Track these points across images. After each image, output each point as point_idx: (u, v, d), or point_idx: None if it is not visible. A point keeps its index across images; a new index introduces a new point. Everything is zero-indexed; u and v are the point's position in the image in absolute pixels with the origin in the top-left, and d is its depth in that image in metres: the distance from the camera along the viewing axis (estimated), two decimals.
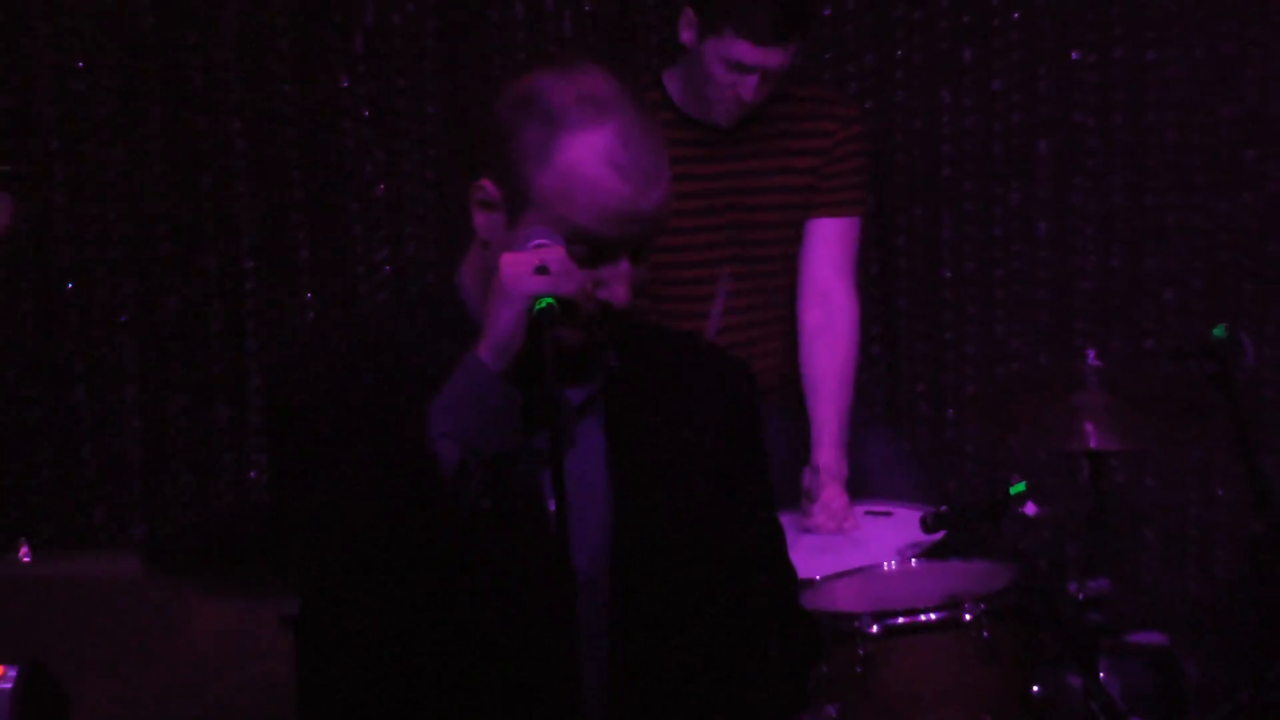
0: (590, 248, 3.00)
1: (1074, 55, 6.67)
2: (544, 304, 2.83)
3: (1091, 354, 5.09)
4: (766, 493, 3.33)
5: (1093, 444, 5.01)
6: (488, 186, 3.08)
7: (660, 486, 3.11)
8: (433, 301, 3.24)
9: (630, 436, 3.12)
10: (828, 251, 5.43)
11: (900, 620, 4.72)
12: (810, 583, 4.97)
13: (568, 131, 3.02)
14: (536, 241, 2.94)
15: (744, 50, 5.19)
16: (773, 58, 5.22)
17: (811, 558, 5.24)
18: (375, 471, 2.90)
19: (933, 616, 4.74)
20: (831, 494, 5.32)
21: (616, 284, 3.00)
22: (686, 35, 5.36)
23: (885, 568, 5.03)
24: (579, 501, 2.99)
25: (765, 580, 3.26)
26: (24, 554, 6.27)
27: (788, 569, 3.39)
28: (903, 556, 5.06)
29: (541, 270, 2.86)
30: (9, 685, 4.94)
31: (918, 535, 5.06)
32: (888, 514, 5.31)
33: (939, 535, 5.04)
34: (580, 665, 2.96)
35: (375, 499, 2.88)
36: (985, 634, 4.70)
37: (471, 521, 2.85)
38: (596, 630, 3.04)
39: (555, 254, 2.91)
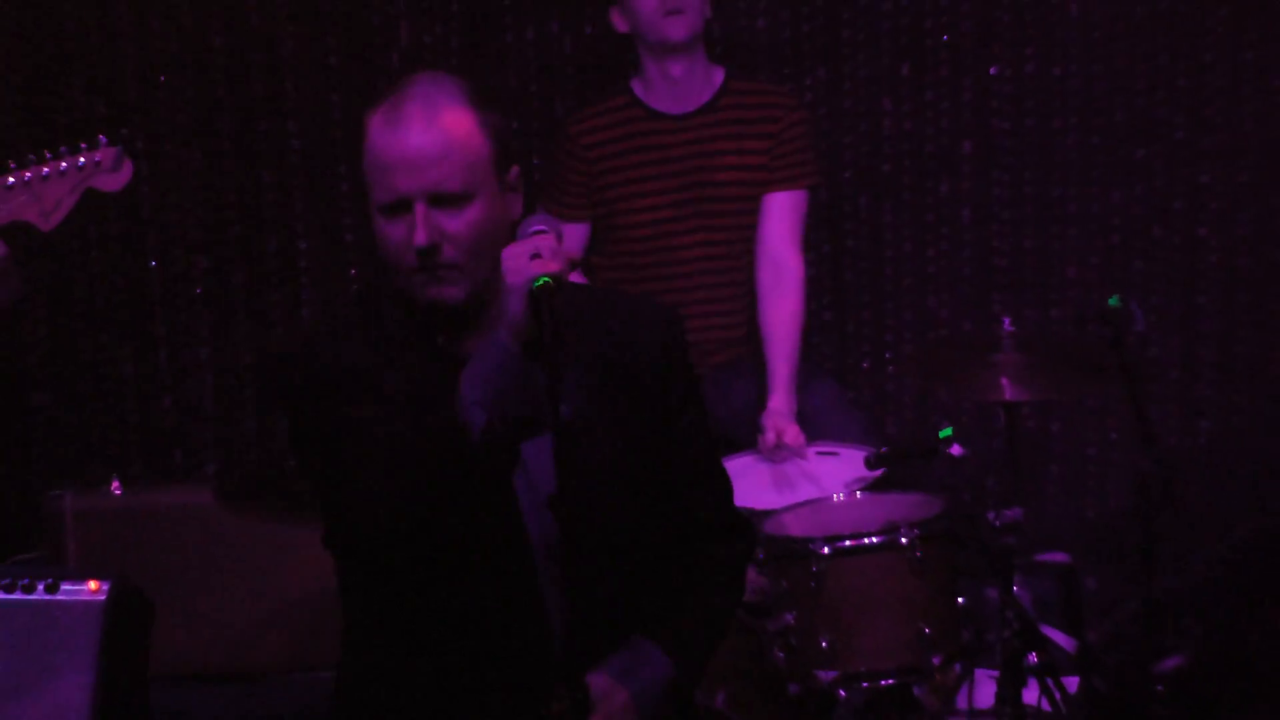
0: (393, 202, 2.99)
1: (992, 70, 6.67)
2: (540, 282, 2.83)
3: (1007, 321, 5.07)
4: (701, 416, 3.27)
5: (1008, 395, 4.99)
6: None
7: (604, 421, 3.09)
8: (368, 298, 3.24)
9: (578, 383, 3.07)
10: (780, 222, 5.38)
11: (847, 543, 4.71)
12: (771, 513, 4.97)
13: (370, 112, 3.07)
14: (534, 229, 2.95)
15: None
16: None
17: (772, 492, 5.24)
18: (400, 431, 2.90)
19: (874, 539, 4.73)
20: (792, 433, 5.33)
21: (417, 229, 2.97)
22: (619, 23, 5.38)
23: (834, 499, 5.02)
24: (534, 441, 2.97)
25: (704, 491, 3.22)
26: (115, 488, 6.28)
27: (723, 479, 3.34)
28: (849, 490, 5.05)
29: (535, 256, 2.87)
30: (102, 597, 4.94)
31: (862, 472, 5.07)
32: (836, 454, 5.30)
33: (880, 472, 5.04)
34: (540, 580, 2.98)
35: (404, 455, 2.88)
36: (918, 554, 4.70)
37: (491, 472, 2.86)
38: (554, 547, 2.98)
39: (546, 240, 2.91)
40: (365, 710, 3.16)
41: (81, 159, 3.60)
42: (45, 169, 3.56)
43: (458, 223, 2.99)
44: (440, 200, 2.99)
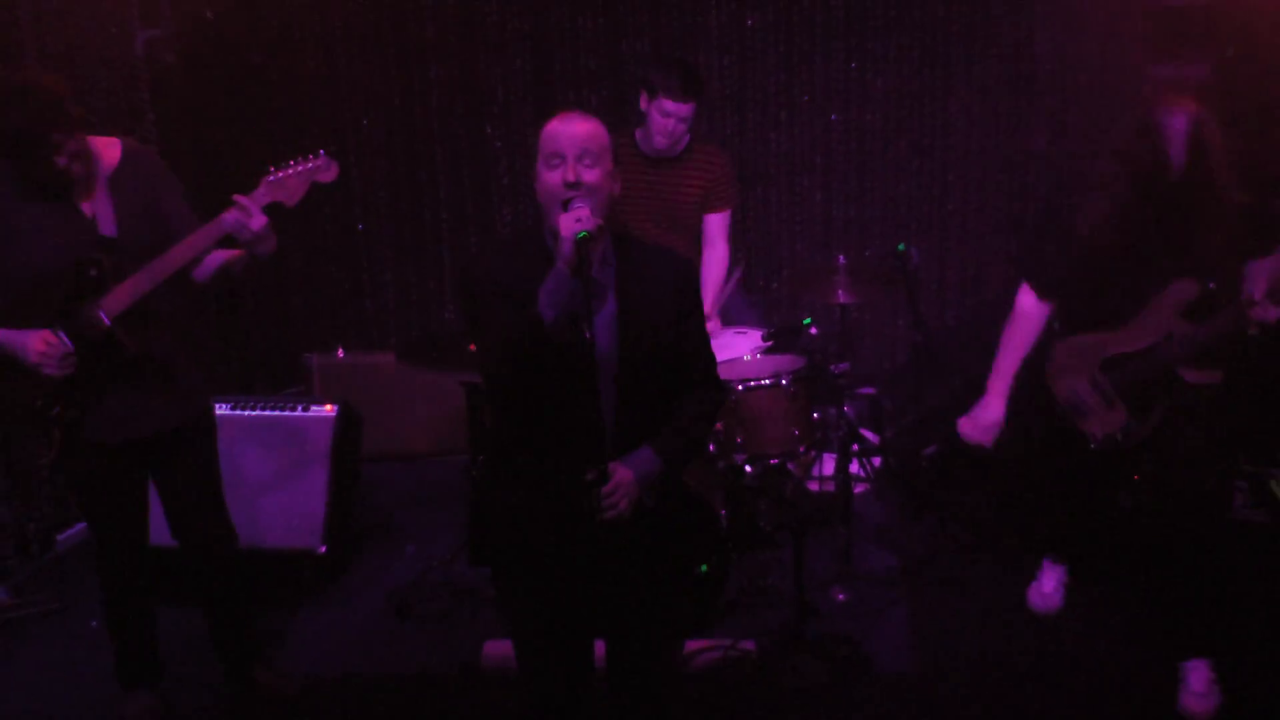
0: (555, 152, 2.88)
1: (833, 117, 6.55)
2: (581, 235, 2.76)
3: (841, 257, 4.99)
4: (700, 320, 3.12)
5: (842, 300, 4.91)
6: None
7: (642, 322, 2.97)
8: (529, 232, 3.12)
9: (628, 298, 2.97)
10: (715, 229, 5.17)
11: (751, 383, 4.68)
12: None
13: (549, 120, 2.92)
14: (577, 204, 2.86)
15: (669, 105, 4.98)
16: (684, 109, 4.96)
17: None
18: (512, 322, 2.83)
19: (766, 381, 4.68)
20: (714, 327, 5.20)
21: (568, 170, 2.86)
22: (643, 103, 5.16)
23: (744, 359, 4.97)
24: (603, 332, 2.91)
25: (697, 361, 3.11)
26: (340, 353, 6.27)
27: (710, 357, 3.19)
28: (753, 353, 4.99)
29: (578, 219, 2.80)
30: (334, 414, 4.95)
31: (759, 343, 5.01)
32: (745, 333, 5.24)
33: (770, 344, 5.00)
34: (600, 408, 2.91)
35: (514, 336, 2.82)
36: (792, 389, 4.66)
37: (557, 344, 2.80)
38: (610, 391, 2.94)
39: (584, 211, 2.81)
40: (497, 468, 3.08)
41: (310, 164, 3.56)
42: (290, 170, 3.53)
43: (591, 173, 2.88)
44: (583, 157, 2.88)
